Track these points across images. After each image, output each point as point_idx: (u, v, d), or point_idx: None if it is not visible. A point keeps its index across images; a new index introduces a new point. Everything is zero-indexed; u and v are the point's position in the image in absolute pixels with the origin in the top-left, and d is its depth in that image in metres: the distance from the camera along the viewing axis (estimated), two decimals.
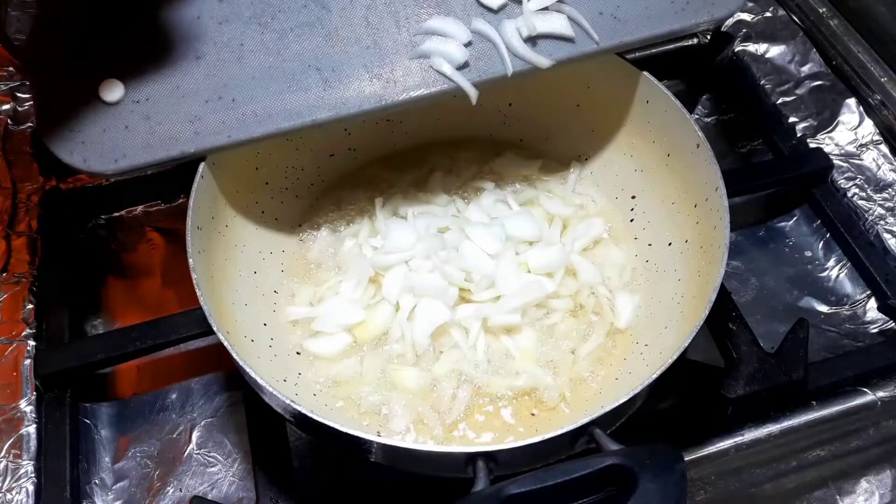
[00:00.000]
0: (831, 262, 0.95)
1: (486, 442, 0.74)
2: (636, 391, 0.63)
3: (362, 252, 0.85)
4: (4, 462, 0.78)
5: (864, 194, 0.96)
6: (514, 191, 0.91)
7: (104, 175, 0.74)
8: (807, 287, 0.94)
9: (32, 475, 0.77)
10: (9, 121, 1.06)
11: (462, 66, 0.75)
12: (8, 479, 0.77)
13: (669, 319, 0.78)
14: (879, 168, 0.98)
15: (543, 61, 0.76)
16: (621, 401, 0.62)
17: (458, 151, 0.96)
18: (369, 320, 0.80)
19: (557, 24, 0.76)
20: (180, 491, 0.80)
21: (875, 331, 0.89)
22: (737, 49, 1.10)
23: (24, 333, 0.86)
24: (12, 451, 0.78)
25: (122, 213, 1.03)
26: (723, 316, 0.82)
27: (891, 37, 1.05)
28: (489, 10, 0.77)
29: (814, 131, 1.01)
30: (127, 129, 0.73)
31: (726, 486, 0.77)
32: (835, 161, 0.98)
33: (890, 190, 0.96)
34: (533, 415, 0.76)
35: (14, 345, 0.85)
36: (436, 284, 0.79)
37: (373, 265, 0.82)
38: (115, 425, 0.85)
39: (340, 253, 0.87)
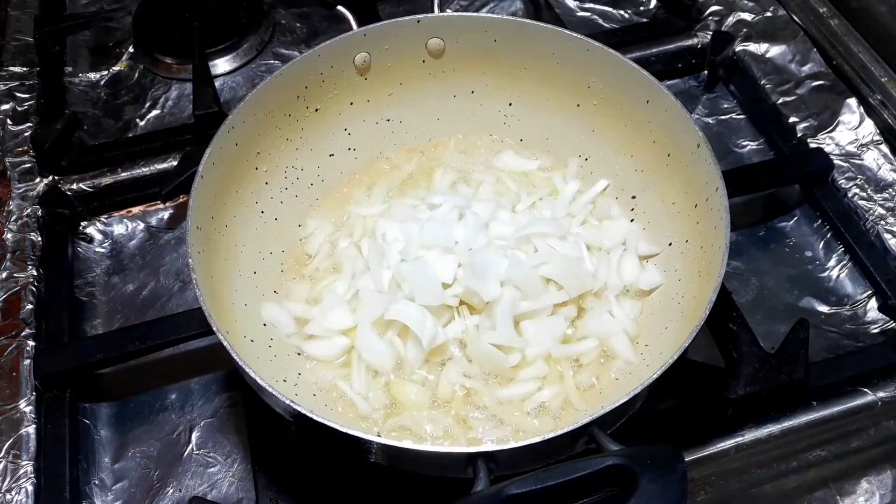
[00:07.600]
0: (832, 263, 0.95)
1: (486, 442, 0.74)
2: (636, 391, 0.62)
3: (357, 252, 0.85)
4: (4, 462, 0.77)
5: (864, 194, 0.96)
6: (515, 192, 0.91)
7: None
8: (807, 287, 0.93)
9: (32, 475, 0.77)
10: (9, 121, 1.06)
11: None
12: (7, 479, 0.76)
13: (669, 319, 0.78)
14: (880, 168, 0.98)
15: None
16: (621, 401, 0.62)
17: (458, 151, 0.96)
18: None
19: None
20: (180, 491, 0.80)
21: (876, 331, 0.89)
22: (737, 49, 1.10)
23: (23, 333, 0.86)
24: (12, 451, 0.78)
25: (122, 213, 1.02)
26: (723, 316, 0.81)
27: (891, 37, 1.04)
28: None
29: (814, 131, 1.01)
30: None
31: (727, 487, 0.77)
32: (835, 161, 0.98)
33: (890, 190, 0.96)
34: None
35: (14, 345, 0.85)
36: (415, 314, 0.76)
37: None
38: (115, 425, 0.85)
39: (336, 253, 0.87)
